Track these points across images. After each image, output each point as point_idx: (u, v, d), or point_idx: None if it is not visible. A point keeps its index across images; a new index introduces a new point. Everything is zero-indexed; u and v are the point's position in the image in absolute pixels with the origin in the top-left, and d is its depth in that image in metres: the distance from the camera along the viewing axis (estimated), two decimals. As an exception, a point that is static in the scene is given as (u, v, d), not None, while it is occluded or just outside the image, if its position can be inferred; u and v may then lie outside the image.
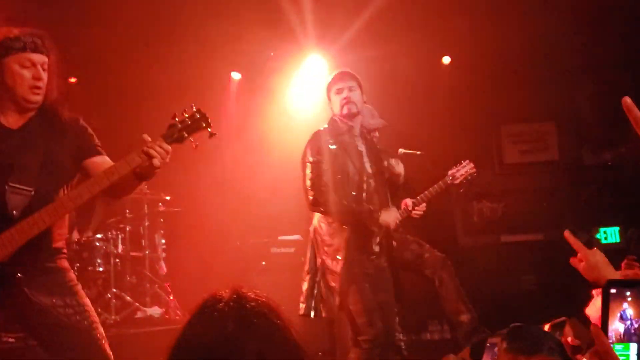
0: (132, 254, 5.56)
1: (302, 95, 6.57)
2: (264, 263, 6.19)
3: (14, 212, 2.41)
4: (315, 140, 3.50)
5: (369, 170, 3.50)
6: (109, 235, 5.24)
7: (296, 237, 6.52)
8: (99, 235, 5.18)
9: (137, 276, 5.54)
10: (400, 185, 4.34)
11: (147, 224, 5.67)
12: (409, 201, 4.18)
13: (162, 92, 6.07)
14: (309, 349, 1.18)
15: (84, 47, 5.79)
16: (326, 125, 3.62)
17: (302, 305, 3.55)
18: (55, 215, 2.44)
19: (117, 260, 5.33)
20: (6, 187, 2.42)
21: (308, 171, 3.47)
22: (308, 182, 3.47)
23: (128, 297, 5.27)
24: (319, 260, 3.55)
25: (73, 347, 2.53)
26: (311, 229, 3.70)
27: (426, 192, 4.21)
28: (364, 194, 3.45)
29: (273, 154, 6.12)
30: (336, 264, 3.43)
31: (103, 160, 2.63)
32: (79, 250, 5.06)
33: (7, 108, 2.51)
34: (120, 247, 5.38)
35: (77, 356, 2.53)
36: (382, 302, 3.40)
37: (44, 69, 2.49)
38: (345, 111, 3.53)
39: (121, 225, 5.50)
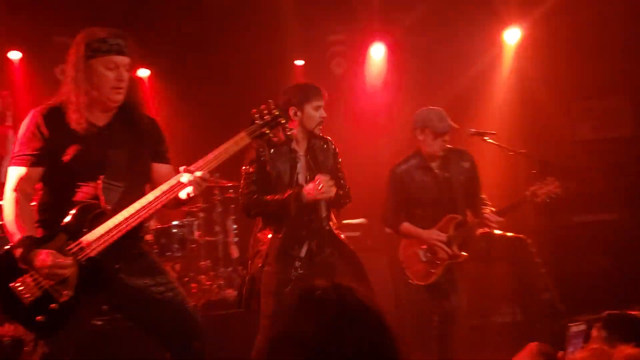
0: (206, 239, 5.78)
1: (364, 80, 6.60)
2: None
3: (108, 206, 2.54)
4: (249, 151, 3.45)
5: (302, 181, 3.46)
6: (185, 221, 5.45)
7: (361, 220, 6.55)
8: (175, 222, 5.40)
9: (211, 260, 5.75)
10: None
11: (219, 210, 5.88)
12: (488, 213, 3.97)
13: (233, 78, 6.23)
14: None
15: (161, 37, 6.02)
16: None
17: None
18: (149, 210, 2.57)
19: (193, 245, 5.54)
20: (101, 182, 2.55)
21: (241, 181, 3.51)
22: (241, 191, 3.52)
23: (204, 281, 5.48)
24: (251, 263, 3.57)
25: (170, 321, 2.68)
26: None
27: (505, 207, 4.04)
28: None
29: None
30: (260, 269, 3.45)
31: (167, 170, 2.75)
32: (157, 237, 5.29)
33: (93, 106, 2.62)
34: (195, 233, 5.59)
35: (175, 328, 2.68)
36: None
37: (126, 70, 2.61)
38: (318, 131, 3.49)
39: (195, 211, 5.71)
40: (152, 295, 2.65)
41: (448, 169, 4.06)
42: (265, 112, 2.67)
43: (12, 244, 2.47)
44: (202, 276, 5.52)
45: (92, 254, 2.48)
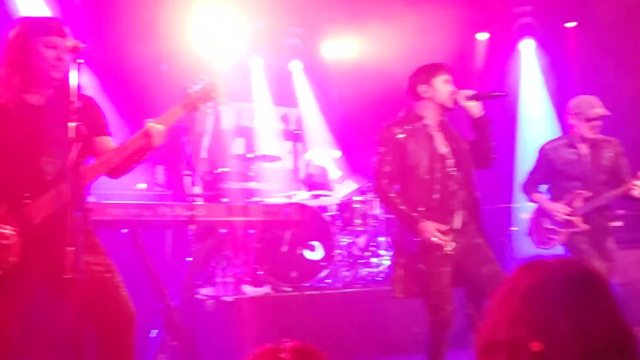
0: (386, 216, 5.88)
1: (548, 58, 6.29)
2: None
3: (48, 178, 2.67)
4: (384, 130, 3.50)
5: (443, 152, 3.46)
6: (367, 197, 5.61)
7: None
8: (358, 198, 5.58)
9: (390, 237, 5.85)
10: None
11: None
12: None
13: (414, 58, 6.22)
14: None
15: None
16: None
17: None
18: (86, 180, 2.61)
19: (374, 221, 5.68)
20: (41, 157, 2.68)
21: (377, 160, 3.49)
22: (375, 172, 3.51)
23: (384, 255, 5.63)
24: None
25: (103, 303, 2.69)
26: None
27: None
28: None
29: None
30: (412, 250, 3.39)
31: (108, 141, 2.90)
32: (341, 210, 5.52)
33: (32, 87, 2.74)
34: (375, 210, 5.72)
35: (108, 311, 2.69)
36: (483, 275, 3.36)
37: (64, 51, 2.68)
38: (449, 105, 3.48)
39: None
40: (92, 274, 2.63)
41: (593, 151, 4.27)
42: (198, 86, 2.86)
43: None
44: (382, 250, 5.67)
45: (35, 222, 2.59)
